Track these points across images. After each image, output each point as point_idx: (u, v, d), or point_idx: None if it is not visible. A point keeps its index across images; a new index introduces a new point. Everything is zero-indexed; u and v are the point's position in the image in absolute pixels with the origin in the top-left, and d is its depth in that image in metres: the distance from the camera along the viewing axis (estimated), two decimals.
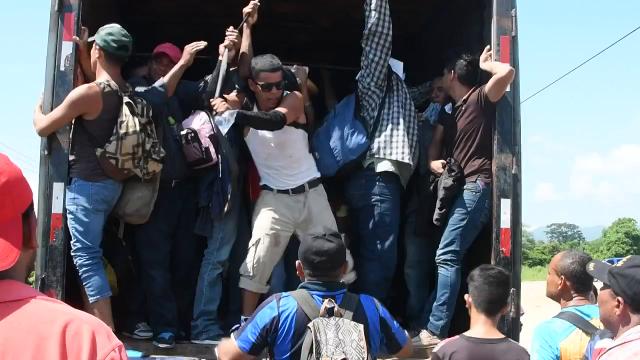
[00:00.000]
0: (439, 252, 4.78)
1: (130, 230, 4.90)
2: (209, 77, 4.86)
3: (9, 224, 1.36)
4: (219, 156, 4.79)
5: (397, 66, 5.25)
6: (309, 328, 2.84)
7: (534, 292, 14.87)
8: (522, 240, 4.98)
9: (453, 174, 4.79)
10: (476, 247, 4.79)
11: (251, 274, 4.69)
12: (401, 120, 5.02)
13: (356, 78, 5.23)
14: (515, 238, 4.44)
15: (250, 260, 4.71)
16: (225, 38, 4.70)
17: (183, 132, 4.80)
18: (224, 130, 4.49)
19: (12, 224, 1.37)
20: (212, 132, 4.78)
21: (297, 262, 3.22)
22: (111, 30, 4.45)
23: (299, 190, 4.78)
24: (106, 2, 5.25)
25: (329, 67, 6.13)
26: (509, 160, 4.51)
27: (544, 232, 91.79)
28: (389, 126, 5.00)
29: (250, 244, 4.75)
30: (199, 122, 4.85)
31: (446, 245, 4.76)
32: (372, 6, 4.83)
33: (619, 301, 2.44)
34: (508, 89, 4.60)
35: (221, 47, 4.72)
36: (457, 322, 4.42)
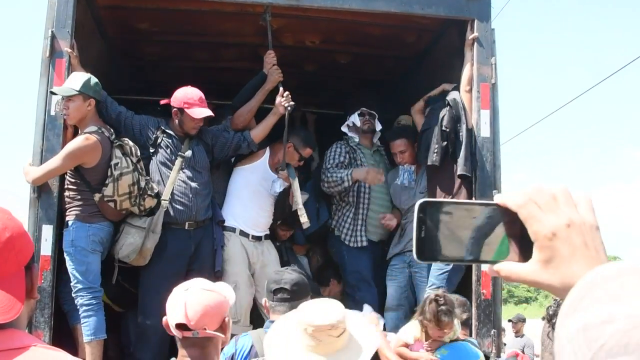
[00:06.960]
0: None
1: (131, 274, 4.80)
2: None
3: (12, 278, 1.44)
4: None
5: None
6: None
7: None
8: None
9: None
10: (457, 289, 4.86)
11: (236, 319, 4.79)
12: None
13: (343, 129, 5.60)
14: (496, 280, 4.47)
15: (233, 307, 4.84)
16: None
17: None
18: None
19: (15, 278, 1.45)
20: None
21: (263, 299, 3.36)
22: (94, 79, 4.45)
23: (258, 238, 5.13)
24: (97, 47, 5.35)
25: (314, 110, 6.31)
26: None
27: None
28: None
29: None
30: None
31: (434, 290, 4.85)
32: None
33: None
34: (488, 134, 4.67)
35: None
36: None
